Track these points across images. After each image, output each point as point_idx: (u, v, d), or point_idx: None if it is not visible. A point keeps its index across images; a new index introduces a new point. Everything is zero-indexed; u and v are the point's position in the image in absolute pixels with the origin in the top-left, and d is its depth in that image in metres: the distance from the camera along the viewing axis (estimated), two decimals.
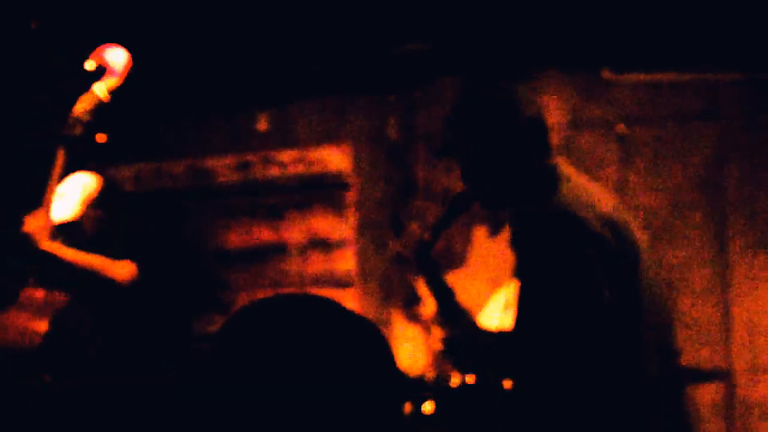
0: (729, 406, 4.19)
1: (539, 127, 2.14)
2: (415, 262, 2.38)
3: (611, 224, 1.97)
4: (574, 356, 1.91)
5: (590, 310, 1.89)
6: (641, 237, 2.08)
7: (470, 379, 2.91)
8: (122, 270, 3.14)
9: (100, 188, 3.25)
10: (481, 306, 4.02)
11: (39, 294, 2.99)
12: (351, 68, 4.81)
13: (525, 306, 2.03)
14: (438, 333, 2.25)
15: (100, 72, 3.08)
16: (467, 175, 2.20)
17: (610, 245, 1.93)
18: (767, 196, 4.18)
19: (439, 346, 2.31)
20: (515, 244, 2.12)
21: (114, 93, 3.07)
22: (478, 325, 2.27)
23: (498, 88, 2.19)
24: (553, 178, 2.10)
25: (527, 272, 2.04)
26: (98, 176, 3.31)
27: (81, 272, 3.07)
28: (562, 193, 2.05)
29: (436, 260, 2.38)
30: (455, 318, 2.28)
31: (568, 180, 2.11)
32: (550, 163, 2.13)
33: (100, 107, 3.05)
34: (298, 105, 5.07)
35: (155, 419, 3.29)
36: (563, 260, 1.95)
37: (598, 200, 2.05)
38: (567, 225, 1.97)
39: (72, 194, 3.22)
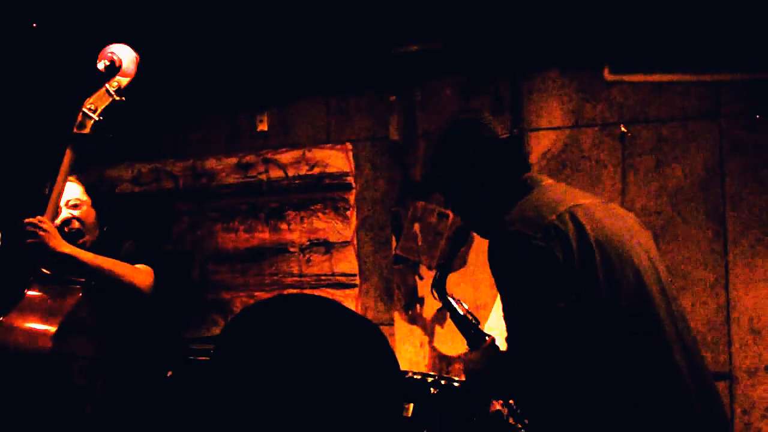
0: (730, 407, 4.18)
1: (517, 145, 2.19)
2: (434, 296, 2.48)
3: (555, 230, 1.95)
4: (549, 366, 1.90)
5: (542, 319, 1.89)
6: (607, 230, 2.03)
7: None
8: (143, 276, 3.14)
9: (80, 189, 3.33)
10: (483, 308, 4.01)
11: (44, 295, 2.99)
12: (352, 68, 4.80)
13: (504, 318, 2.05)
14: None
15: (111, 71, 3.08)
16: (455, 208, 2.29)
17: (551, 253, 1.91)
18: (767, 196, 4.18)
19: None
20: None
21: (125, 92, 3.08)
22: (500, 351, 2.27)
23: (467, 121, 2.24)
24: (521, 191, 2.11)
25: (496, 284, 2.06)
26: (76, 180, 3.35)
27: (104, 277, 3.06)
28: (521, 202, 2.07)
29: (451, 295, 2.45)
30: (477, 344, 2.31)
31: (535, 189, 2.11)
32: (524, 177, 2.15)
33: (111, 106, 3.06)
34: (299, 105, 5.07)
35: (159, 419, 3.29)
36: (501, 274, 1.98)
37: (555, 204, 2.03)
38: (502, 239, 2.00)
39: (82, 208, 3.30)
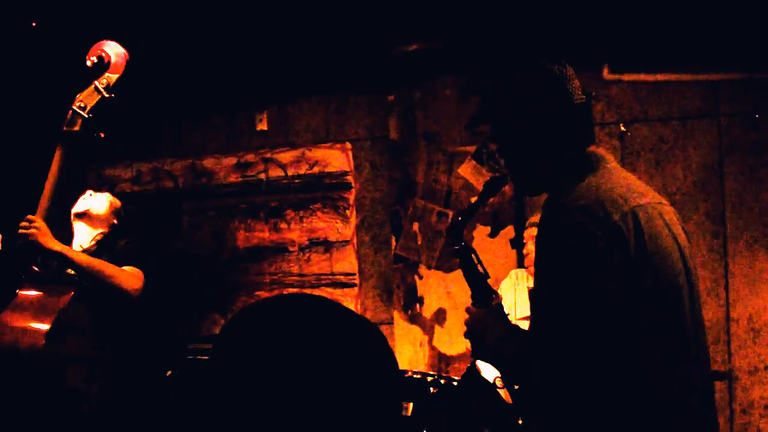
0: (729, 406, 4.19)
1: (589, 113, 2.08)
2: (448, 241, 2.38)
3: (618, 232, 1.90)
4: (569, 353, 1.88)
5: (576, 305, 1.85)
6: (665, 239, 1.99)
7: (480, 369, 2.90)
8: (131, 279, 3.16)
9: (120, 204, 3.64)
10: None
11: (38, 294, 2.98)
12: (351, 68, 4.80)
13: (532, 299, 2.00)
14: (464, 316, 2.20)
15: (100, 68, 3.08)
16: (505, 153, 2.13)
17: (609, 255, 1.87)
18: (766, 196, 4.19)
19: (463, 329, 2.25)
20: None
21: (114, 89, 3.08)
22: (506, 310, 2.22)
23: (551, 68, 2.12)
24: (584, 166, 2.04)
25: (537, 263, 1.99)
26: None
27: (91, 277, 3.08)
28: (584, 183, 1.99)
29: (467, 241, 2.37)
30: (483, 299, 2.25)
31: (599, 170, 2.04)
32: (589, 152, 2.08)
33: (101, 103, 3.05)
34: (298, 105, 5.07)
35: (158, 418, 3.29)
36: (549, 257, 1.92)
37: (620, 199, 1.97)
38: (563, 224, 1.93)
39: (102, 199, 3.54)
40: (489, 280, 2.34)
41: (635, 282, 1.88)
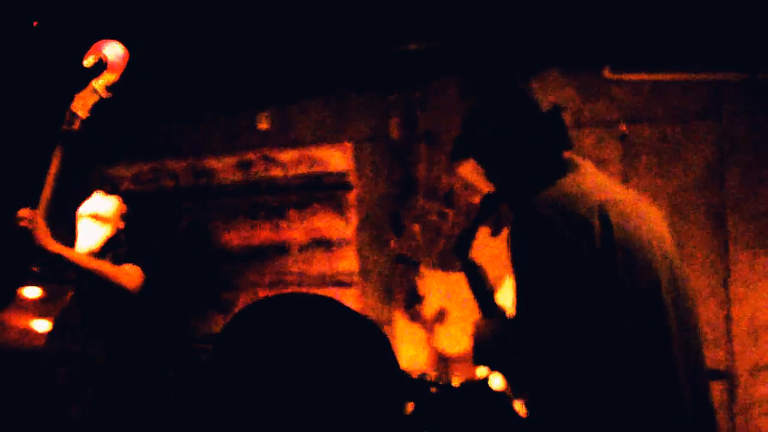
0: (730, 405, 4.18)
1: (558, 120, 2.13)
2: (456, 258, 2.46)
3: (584, 223, 1.91)
4: (559, 350, 1.88)
5: (553, 306, 1.86)
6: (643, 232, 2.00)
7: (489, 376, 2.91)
8: (130, 277, 3.16)
9: (127, 209, 3.64)
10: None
11: (37, 293, 2.98)
12: (352, 67, 4.80)
13: (516, 301, 2.01)
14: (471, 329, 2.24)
15: (98, 68, 3.07)
16: (489, 174, 2.20)
17: (576, 246, 1.87)
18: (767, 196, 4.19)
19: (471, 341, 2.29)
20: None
21: (113, 89, 3.07)
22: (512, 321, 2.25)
23: (512, 87, 2.19)
24: (558, 171, 2.06)
25: (512, 265, 2.02)
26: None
27: (90, 276, 3.08)
28: (555, 185, 2.02)
29: (472, 257, 2.42)
30: (491, 313, 2.28)
31: (572, 173, 2.06)
32: (565, 157, 2.10)
33: (99, 103, 3.05)
34: (299, 104, 5.07)
35: (158, 419, 3.29)
36: (520, 254, 1.94)
37: (589, 195, 1.98)
38: (530, 220, 1.94)
39: (110, 201, 3.56)
40: (489, 279, 2.37)
41: (607, 274, 1.88)
